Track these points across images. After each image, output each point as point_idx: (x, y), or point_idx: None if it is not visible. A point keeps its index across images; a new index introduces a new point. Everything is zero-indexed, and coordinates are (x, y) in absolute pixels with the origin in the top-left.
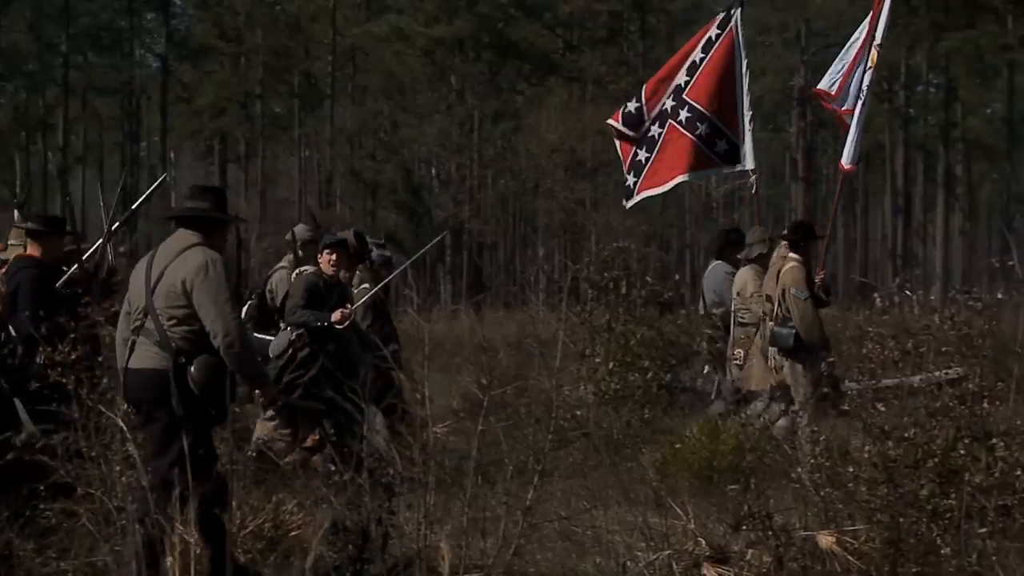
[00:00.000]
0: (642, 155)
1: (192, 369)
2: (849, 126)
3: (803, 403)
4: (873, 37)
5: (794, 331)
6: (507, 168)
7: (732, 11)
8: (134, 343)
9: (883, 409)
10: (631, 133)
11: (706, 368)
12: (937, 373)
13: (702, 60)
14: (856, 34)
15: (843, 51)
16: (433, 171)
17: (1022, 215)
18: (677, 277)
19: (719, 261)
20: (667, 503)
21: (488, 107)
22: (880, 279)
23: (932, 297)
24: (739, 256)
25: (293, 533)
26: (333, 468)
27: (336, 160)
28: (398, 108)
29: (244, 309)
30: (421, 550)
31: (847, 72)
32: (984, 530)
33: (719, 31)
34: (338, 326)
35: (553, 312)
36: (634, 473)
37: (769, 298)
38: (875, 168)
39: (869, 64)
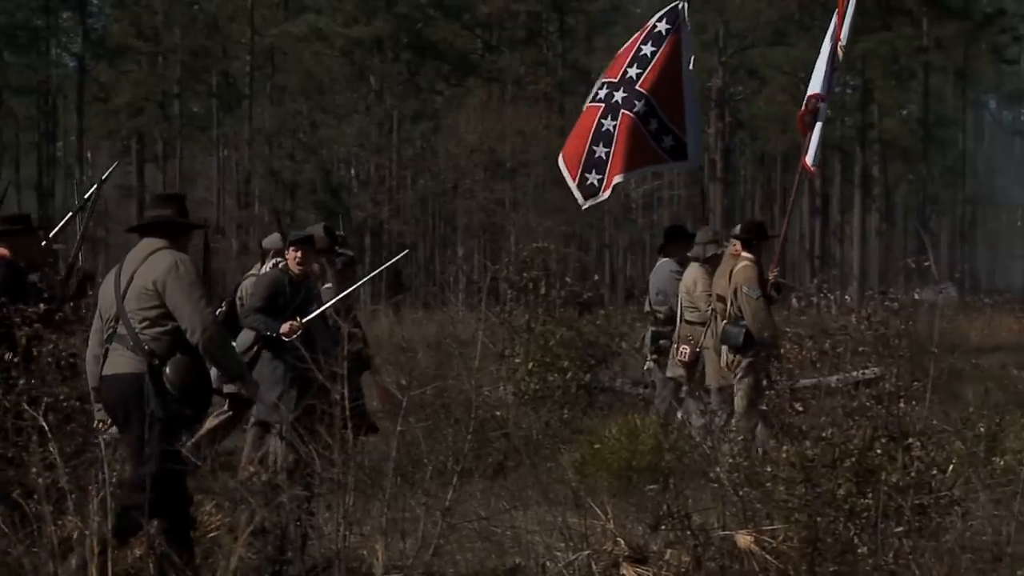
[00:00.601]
0: (600, 151)
1: (167, 370)
2: (806, 128)
3: (744, 403)
4: (840, 38)
5: (744, 329)
6: (426, 168)
7: (679, 6)
8: (107, 351)
9: (801, 409)
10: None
11: (648, 364)
12: (854, 373)
13: (653, 54)
14: (827, 38)
15: (820, 57)
16: (352, 171)
17: (938, 216)
18: (596, 277)
19: (666, 258)
20: (586, 503)
21: (407, 107)
22: (798, 279)
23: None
24: (689, 254)
25: (211, 535)
26: (252, 470)
27: (254, 160)
28: (317, 108)
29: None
30: (340, 551)
31: (830, 74)
32: (900, 529)
33: (668, 26)
34: (285, 338)
35: (472, 312)
36: (553, 473)
37: (721, 297)
38: (792, 169)
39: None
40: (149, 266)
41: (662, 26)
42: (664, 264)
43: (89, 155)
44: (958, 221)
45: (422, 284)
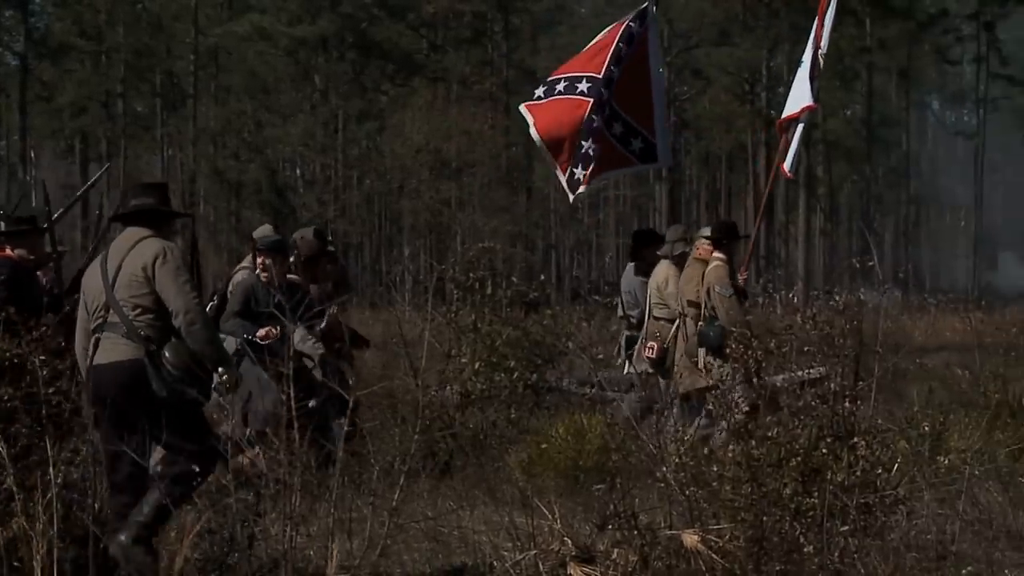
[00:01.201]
0: (588, 147)
1: (166, 354)
2: (786, 134)
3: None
4: (819, 45)
5: (721, 329)
6: (372, 168)
7: (649, 6)
8: (97, 341)
9: (746, 408)
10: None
11: (627, 369)
12: (799, 373)
13: (626, 53)
14: (808, 46)
15: (801, 66)
16: (298, 171)
17: (882, 216)
18: (542, 277)
19: (635, 262)
20: (533, 503)
21: (352, 107)
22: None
23: (795, 297)
24: (659, 252)
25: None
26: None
27: (199, 160)
28: (261, 108)
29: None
30: (287, 551)
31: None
32: (846, 528)
33: (637, 27)
34: (261, 341)
35: (419, 312)
36: (500, 473)
37: (692, 303)
38: (737, 169)
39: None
40: (137, 254)
41: (635, 27)
42: (632, 268)
43: (32, 154)
44: (902, 221)
45: (368, 284)
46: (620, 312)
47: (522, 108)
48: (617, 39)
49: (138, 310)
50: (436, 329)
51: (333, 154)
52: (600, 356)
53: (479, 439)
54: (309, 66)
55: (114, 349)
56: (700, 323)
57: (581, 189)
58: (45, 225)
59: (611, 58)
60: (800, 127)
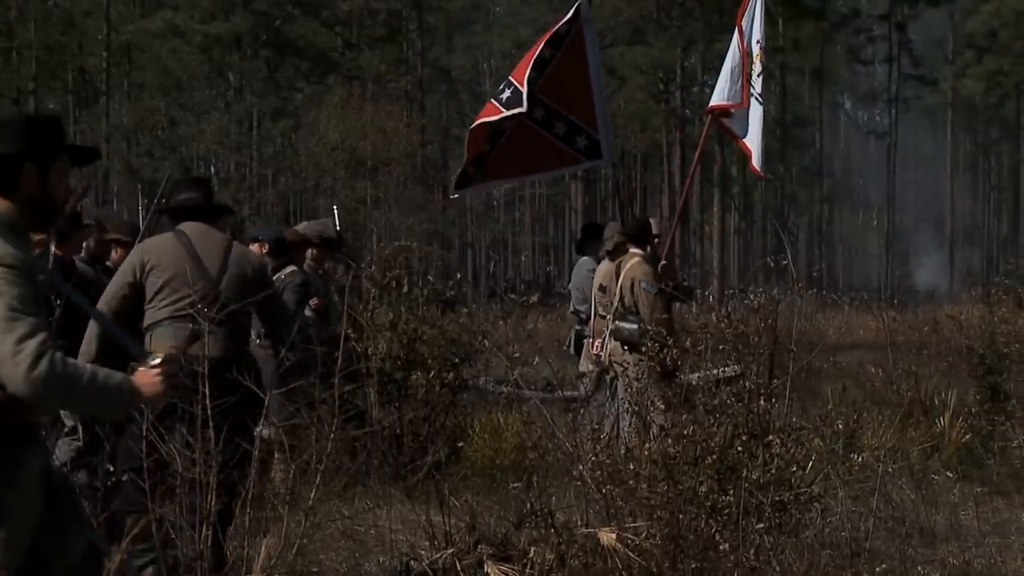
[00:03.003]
0: (485, 148)
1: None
2: (738, 136)
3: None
4: (750, 41)
5: (638, 325)
6: (287, 166)
7: (582, 3)
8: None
9: (661, 406)
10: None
11: (581, 367)
12: (715, 371)
13: (552, 56)
14: (733, 44)
15: (725, 62)
16: (212, 169)
17: (796, 215)
18: (459, 276)
19: (584, 257)
20: (450, 501)
21: (267, 105)
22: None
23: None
24: (598, 253)
25: None
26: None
27: (112, 157)
28: (175, 105)
29: None
30: (203, 551)
31: (744, 82)
32: (761, 526)
33: (568, 27)
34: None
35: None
36: (417, 472)
37: (602, 287)
38: (652, 168)
39: (758, 70)
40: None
41: (562, 28)
42: (582, 263)
43: None
44: (816, 220)
45: None
46: (571, 308)
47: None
48: (542, 46)
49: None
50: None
51: (248, 152)
52: (516, 355)
53: (396, 438)
54: (223, 63)
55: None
56: (610, 317)
57: (469, 189)
58: None
59: (533, 64)
60: (756, 122)
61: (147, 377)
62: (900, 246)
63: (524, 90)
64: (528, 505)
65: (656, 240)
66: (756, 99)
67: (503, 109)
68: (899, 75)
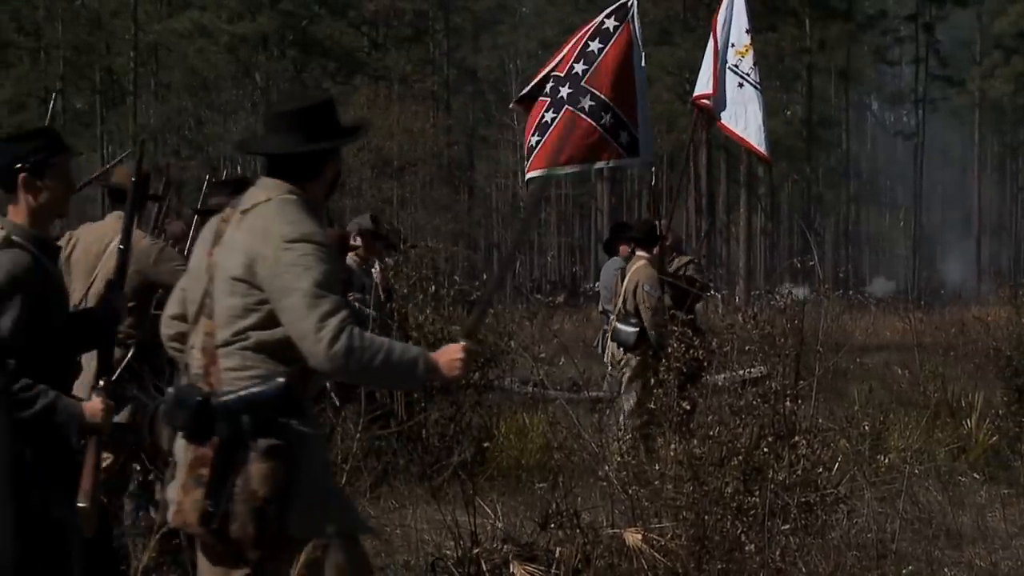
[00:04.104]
0: (534, 140)
1: None
2: (735, 133)
3: (633, 402)
4: (725, 42)
5: (637, 328)
6: None
7: (628, 2)
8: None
9: (688, 407)
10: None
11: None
12: (741, 372)
13: (600, 51)
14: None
15: (705, 60)
16: (238, 169)
17: (822, 216)
18: (485, 276)
19: (613, 257)
20: (475, 502)
21: None
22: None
23: (736, 296)
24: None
25: None
26: None
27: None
28: (202, 105)
29: None
30: None
31: (715, 75)
32: (787, 527)
33: (616, 23)
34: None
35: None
36: (443, 472)
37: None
38: (679, 168)
39: (742, 63)
40: None
41: (610, 23)
42: (611, 263)
43: None
44: (842, 221)
45: None
46: (600, 308)
47: (515, 107)
48: (586, 36)
49: None
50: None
51: None
52: (542, 355)
53: (422, 438)
54: (250, 63)
55: None
56: (612, 319)
57: (534, 173)
58: None
59: (576, 56)
60: (756, 108)
61: (448, 355)
62: (927, 247)
63: (567, 78)
64: (554, 505)
65: (667, 242)
66: (753, 86)
67: (546, 99)
68: (926, 76)
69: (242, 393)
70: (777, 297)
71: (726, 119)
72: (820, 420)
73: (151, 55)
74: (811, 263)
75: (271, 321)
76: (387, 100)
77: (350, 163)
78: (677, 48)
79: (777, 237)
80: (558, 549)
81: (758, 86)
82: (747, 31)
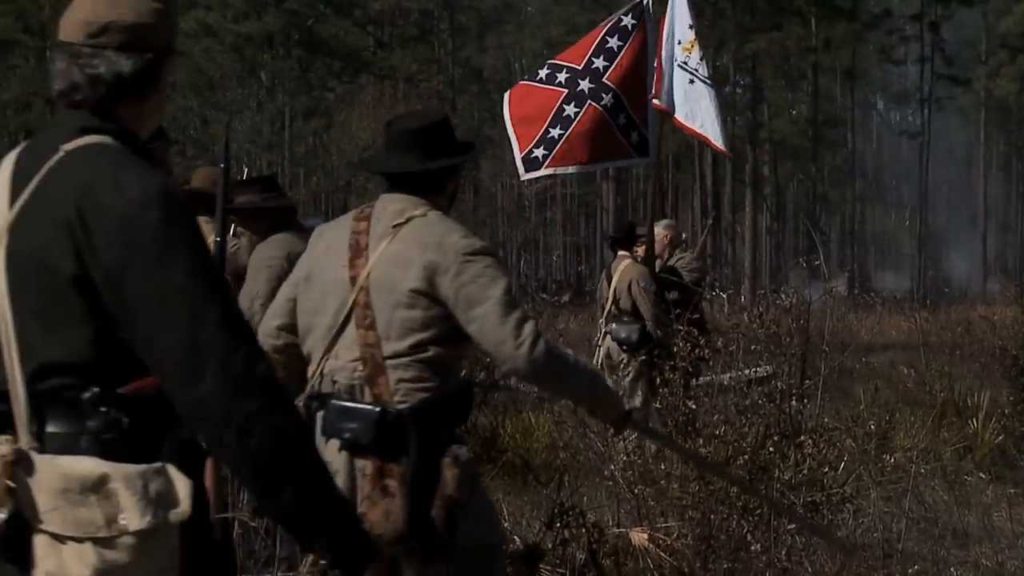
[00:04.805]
0: (554, 132)
1: None
2: (692, 129)
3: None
4: (671, 44)
5: (638, 327)
6: (319, 166)
7: (645, 2)
8: None
9: (693, 407)
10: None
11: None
12: (746, 371)
13: (620, 48)
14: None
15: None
16: (244, 168)
17: (827, 215)
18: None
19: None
20: None
21: (299, 104)
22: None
23: (742, 296)
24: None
25: None
26: None
27: None
28: (207, 104)
29: None
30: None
31: (659, 72)
32: (793, 526)
33: (633, 21)
34: None
35: None
36: None
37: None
38: (684, 168)
39: (690, 59)
40: None
41: (628, 20)
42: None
43: None
44: (848, 220)
45: None
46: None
47: (506, 95)
48: (604, 32)
49: None
50: None
51: (280, 151)
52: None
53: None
54: (255, 63)
55: None
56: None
57: (544, 171)
58: None
59: (594, 51)
60: (709, 104)
61: (619, 406)
62: (933, 246)
63: (585, 71)
64: (559, 504)
65: (642, 242)
66: (705, 83)
67: (562, 90)
68: (932, 75)
69: (430, 401)
70: (783, 296)
71: (681, 116)
72: (826, 419)
73: None
74: (817, 262)
75: (449, 335)
76: (392, 99)
77: (355, 162)
78: None
79: (783, 236)
80: (564, 548)
81: (708, 81)
82: (690, 27)
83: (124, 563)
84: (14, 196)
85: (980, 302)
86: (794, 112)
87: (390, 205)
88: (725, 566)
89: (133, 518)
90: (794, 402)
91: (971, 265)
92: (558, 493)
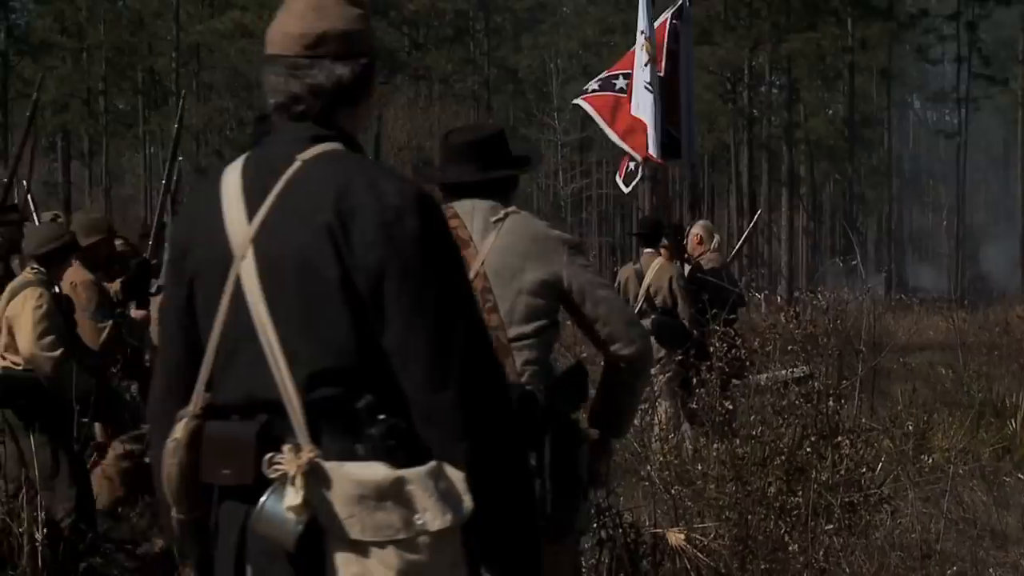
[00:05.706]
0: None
1: None
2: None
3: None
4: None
5: (680, 323)
6: None
7: (683, 3)
8: None
9: (730, 407)
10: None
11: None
12: (783, 371)
13: (675, 51)
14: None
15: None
16: None
17: (864, 215)
18: None
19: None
20: None
21: None
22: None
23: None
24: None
25: None
26: None
27: (184, 158)
28: (243, 105)
29: None
30: None
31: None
32: (830, 527)
33: (675, 22)
34: None
35: None
36: None
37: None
38: (720, 168)
39: (644, 60)
40: None
41: (680, 24)
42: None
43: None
44: (884, 220)
45: None
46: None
47: (580, 101)
48: (667, 38)
49: None
50: None
51: None
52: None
53: None
54: None
55: None
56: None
57: (637, 180)
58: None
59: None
60: (648, 109)
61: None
62: (971, 246)
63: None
64: (596, 505)
65: (679, 239)
66: (645, 87)
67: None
68: (969, 74)
69: (558, 380)
70: (819, 296)
71: (635, 111)
72: (863, 420)
73: (193, 55)
74: (854, 263)
75: (555, 320)
76: (428, 100)
77: (391, 162)
78: (717, 47)
79: (819, 236)
80: (601, 549)
81: (650, 87)
82: (641, 32)
83: (424, 562)
84: (251, 209)
85: (1018, 302)
86: (830, 112)
87: (479, 204)
88: (762, 567)
89: (433, 518)
90: (831, 402)
91: (1009, 265)
92: (595, 493)
